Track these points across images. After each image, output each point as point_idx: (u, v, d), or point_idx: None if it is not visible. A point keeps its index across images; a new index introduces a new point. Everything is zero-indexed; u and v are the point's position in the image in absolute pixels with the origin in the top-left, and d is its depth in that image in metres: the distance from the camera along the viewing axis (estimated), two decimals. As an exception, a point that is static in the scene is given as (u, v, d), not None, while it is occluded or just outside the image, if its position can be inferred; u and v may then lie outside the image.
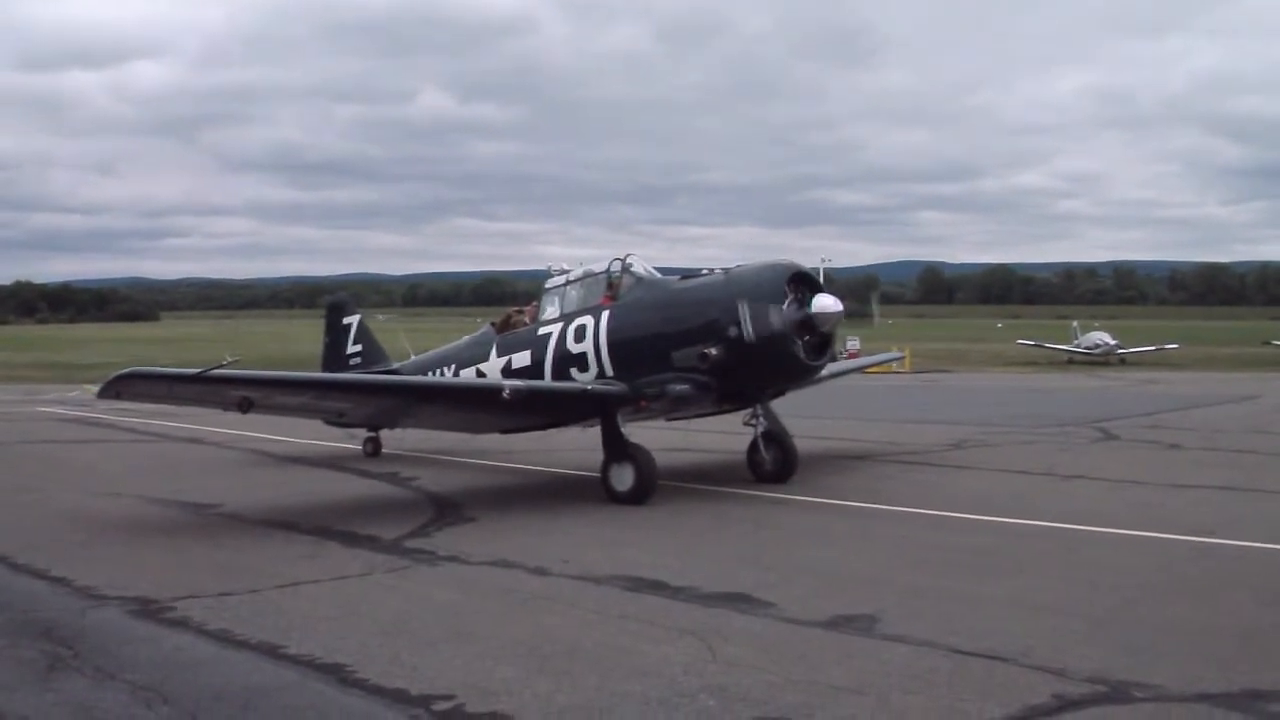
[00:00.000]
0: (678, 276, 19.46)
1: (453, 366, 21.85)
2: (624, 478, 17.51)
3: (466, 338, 22.85)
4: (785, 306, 17.42)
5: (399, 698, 8.44)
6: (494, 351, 20.87)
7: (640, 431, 18.84)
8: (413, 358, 24.67)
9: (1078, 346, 75.03)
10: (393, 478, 21.11)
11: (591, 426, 19.03)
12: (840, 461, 22.43)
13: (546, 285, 20.65)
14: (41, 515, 17.15)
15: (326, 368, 26.52)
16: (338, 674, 9.03)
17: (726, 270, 18.67)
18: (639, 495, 17.32)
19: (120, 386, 15.89)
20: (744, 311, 17.24)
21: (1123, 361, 71.62)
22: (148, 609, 11.24)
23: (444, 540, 14.88)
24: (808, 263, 18.69)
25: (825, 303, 17.54)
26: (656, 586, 11.97)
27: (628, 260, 19.39)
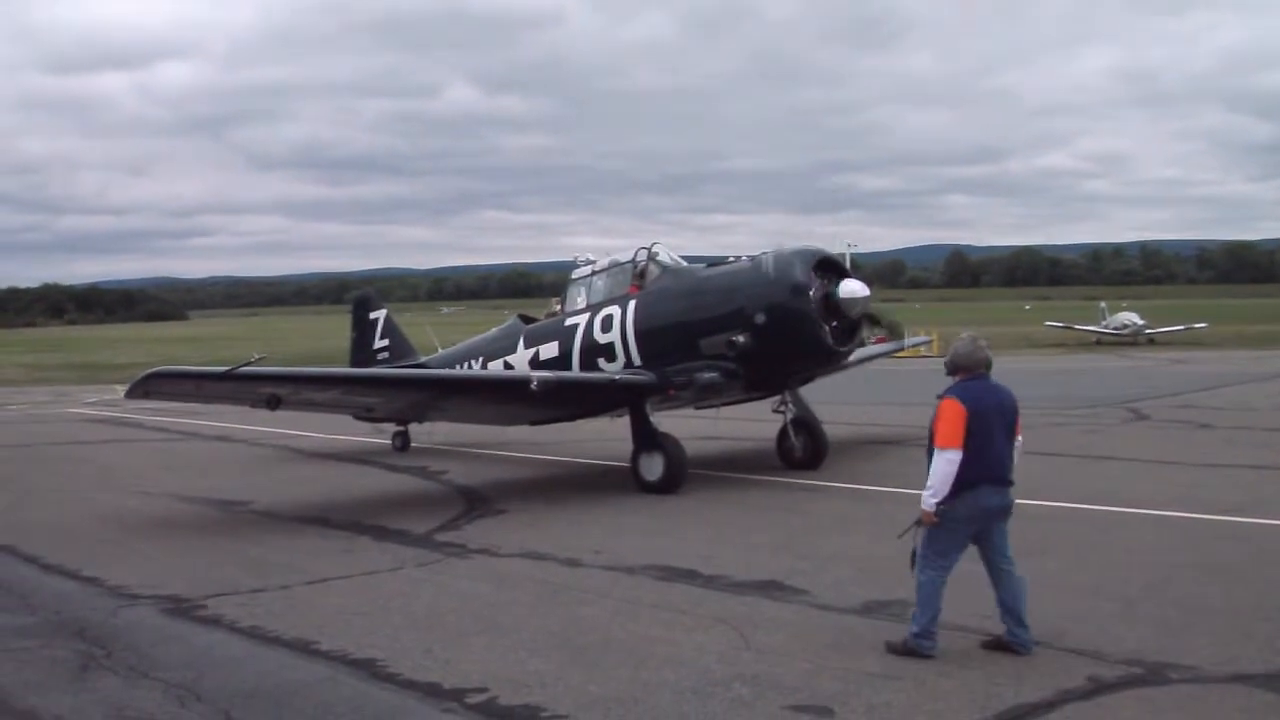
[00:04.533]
0: (704, 265, 19.42)
1: (480, 359, 21.84)
2: (654, 467, 17.48)
3: (494, 330, 22.84)
4: (812, 292, 17.36)
5: (432, 691, 8.43)
6: (521, 343, 20.85)
7: (669, 420, 18.80)
8: (440, 351, 24.69)
9: (1106, 327, 74.61)
10: (422, 471, 21.12)
11: (620, 416, 19.01)
12: (870, 447, 22.36)
13: (573, 276, 20.62)
14: (72, 515, 17.20)
15: (354, 363, 26.58)
16: (370, 669, 9.03)
17: (753, 257, 18.60)
18: (669, 484, 17.28)
19: (149, 386, 15.95)
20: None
21: (1151, 341, 71.24)
22: (180, 607, 11.27)
23: (475, 533, 14.89)
24: (834, 248, 18.60)
25: (852, 288, 17.47)
26: (688, 576, 11.95)
27: (653, 249, 19.35)
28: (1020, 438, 9.45)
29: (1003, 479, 9.14)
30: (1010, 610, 9.04)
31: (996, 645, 9.03)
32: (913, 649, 8.85)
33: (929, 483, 8.85)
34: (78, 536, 15.40)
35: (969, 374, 9.22)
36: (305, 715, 8.07)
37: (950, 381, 9.31)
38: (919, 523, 9.04)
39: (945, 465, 8.80)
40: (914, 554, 9.15)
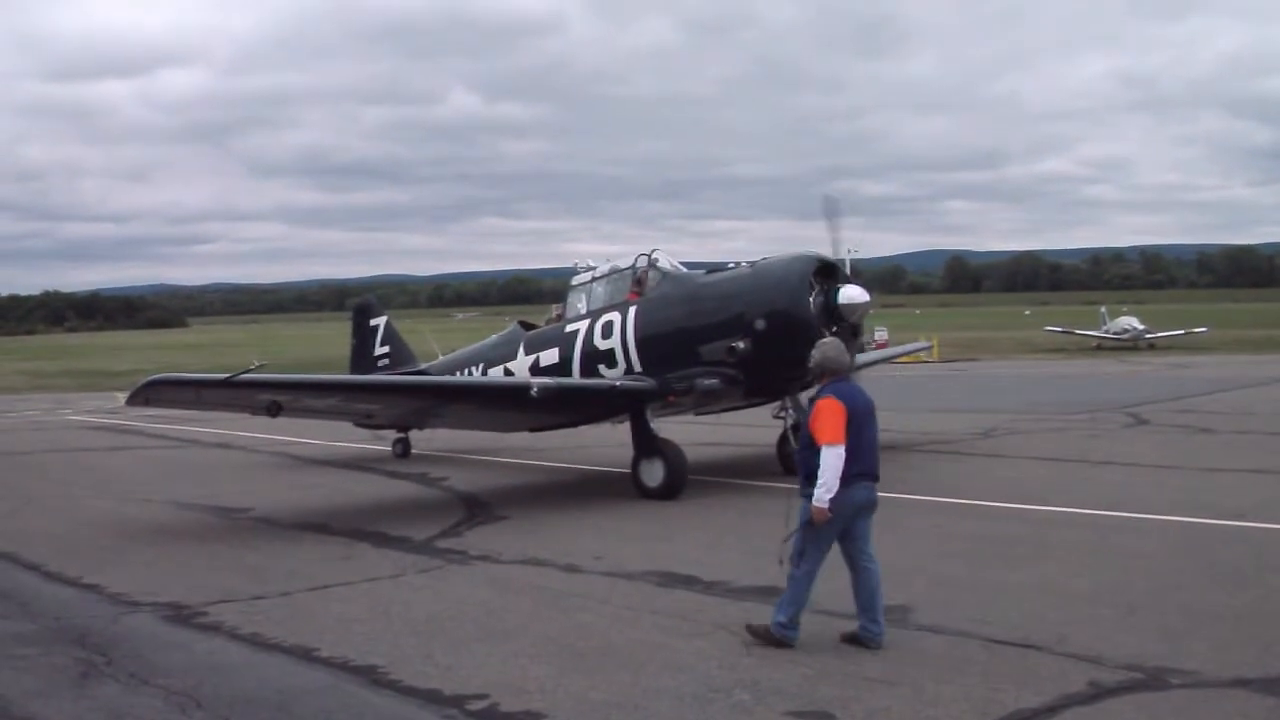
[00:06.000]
0: (703, 271, 19.41)
1: (480, 366, 21.84)
2: (654, 473, 17.48)
3: (494, 336, 22.83)
4: (811, 298, 17.36)
5: (432, 698, 8.43)
6: (522, 350, 20.85)
7: (669, 426, 18.80)
8: (440, 358, 24.68)
9: (1106, 332, 74.49)
10: (422, 478, 21.12)
11: (621, 423, 19.00)
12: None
13: (573, 282, 20.61)
14: (73, 522, 17.20)
15: (355, 370, 26.58)
16: (371, 675, 9.03)
17: (752, 264, 18.60)
18: (669, 490, 17.29)
19: (149, 393, 15.97)
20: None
21: (1151, 346, 71.11)
22: (180, 614, 11.27)
23: (475, 539, 14.89)
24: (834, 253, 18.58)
25: (851, 293, 17.45)
26: (689, 581, 11.95)
27: (653, 255, 19.35)
28: None
29: (874, 474, 9.50)
30: (867, 607, 9.41)
31: (852, 640, 9.39)
32: (778, 639, 9.28)
33: (821, 479, 9.09)
34: (78, 544, 15.39)
35: (836, 376, 9.57)
36: (305, 722, 8.07)
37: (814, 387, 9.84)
38: (809, 522, 9.28)
39: (835, 460, 9.09)
40: (798, 553, 9.46)
